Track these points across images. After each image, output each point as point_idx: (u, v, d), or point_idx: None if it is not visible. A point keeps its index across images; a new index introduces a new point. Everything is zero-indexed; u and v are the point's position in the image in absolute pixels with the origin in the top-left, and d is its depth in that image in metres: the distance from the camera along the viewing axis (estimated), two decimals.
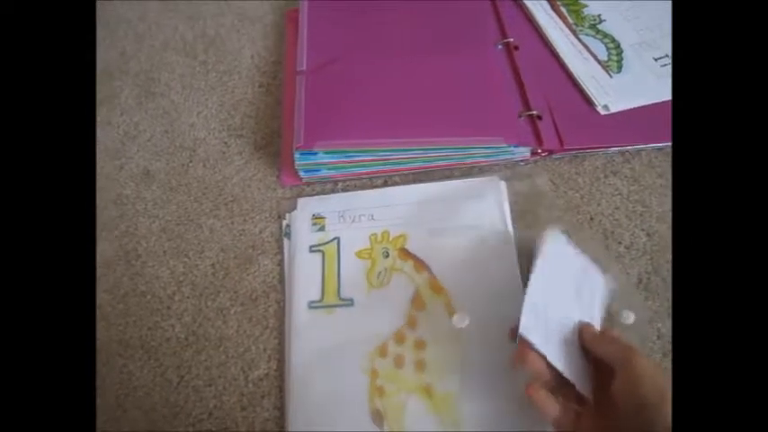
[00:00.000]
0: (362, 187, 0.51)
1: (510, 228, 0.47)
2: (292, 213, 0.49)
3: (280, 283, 0.47)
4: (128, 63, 0.64)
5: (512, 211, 0.48)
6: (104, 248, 0.50)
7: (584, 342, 0.37)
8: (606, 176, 0.50)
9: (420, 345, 0.42)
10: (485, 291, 0.43)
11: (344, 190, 0.51)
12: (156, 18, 0.68)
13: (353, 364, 0.42)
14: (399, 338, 0.42)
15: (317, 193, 0.51)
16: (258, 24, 0.65)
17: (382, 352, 0.42)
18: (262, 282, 0.47)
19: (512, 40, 0.56)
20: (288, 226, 0.48)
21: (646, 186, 0.50)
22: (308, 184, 0.51)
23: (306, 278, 0.46)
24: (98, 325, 0.47)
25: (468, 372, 0.41)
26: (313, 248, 0.47)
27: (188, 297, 0.47)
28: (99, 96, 0.61)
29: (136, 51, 0.65)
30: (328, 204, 0.49)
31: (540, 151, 0.50)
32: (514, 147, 0.49)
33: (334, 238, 0.47)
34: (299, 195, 0.51)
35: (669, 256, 0.45)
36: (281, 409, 0.42)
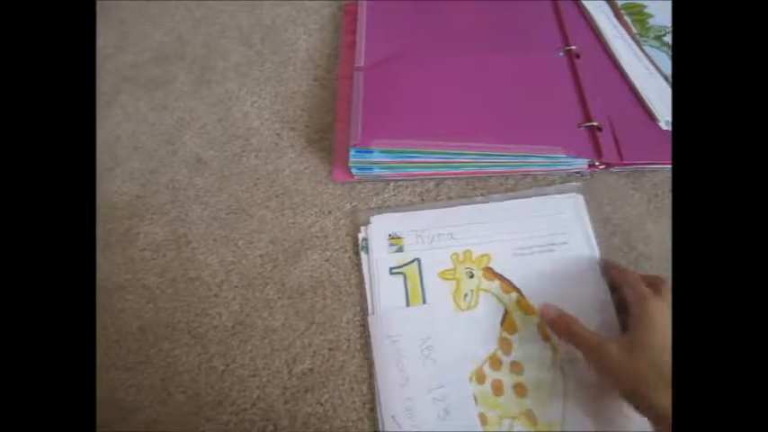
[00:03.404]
0: (413, 188, 0.51)
1: (594, 242, 0.46)
2: (368, 228, 0.48)
3: (327, 280, 0.47)
4: (184, 48, 0.65)
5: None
6: (156, 232, 0.51)
7: (611, 279, 0.43)
8: (665, 193, 0.49)
9: (517, 368, 0.41)
10: (576, 308, 0.42)
11: (396, 190, 0.51)
12: (212, 3, 0.69)
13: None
14: (495, 363, 0.42)
15: (369, 192, 0.51)
16: (315, 16, 0.65)
17: (479, 378, 0.41)
18: (309, 276, 0.47)
19: (574, 47, 0.55)
20: (364, 240, 0.47)
21: None
22: (360, 181, 0.51)
23: (389, 301, 0.44)
24: (146, 307, 0.48)
25: (570, 394, 0.40)
26: (393, 270, 0.46)
27: (236, 286, 0.47)
28: (156, 80, 0.62)
29: (192, 37, 0.66)
30: (404, 223, 0.48)
31: (597, 164, 0.49)
32: (572, 158, 0.48)
33: (415, 260, 0.46)
34: (351, 193, 0.51)
35: None
36: (323, 405, 0.42)
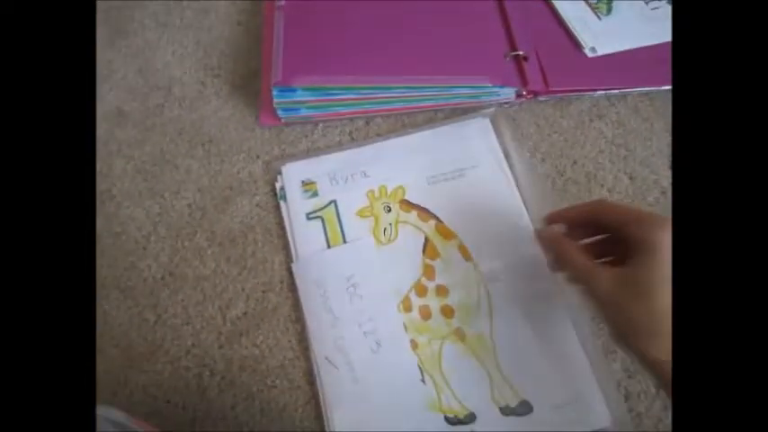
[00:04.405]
0: (342, 127, 0.50)
1: (504, 163, 0.46)
2: (284, 175, 0.47)
3: (258, 224, 0.46)
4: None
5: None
6: None
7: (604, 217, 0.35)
8: (591, 120, 0.50)
9: (442, 291, 0.42)
10: (494, 227, 0.43)
11: (325, 131, 0.50)
12: None
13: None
14: (420, 290, 0.42)
15: (298, 134, 0.50)
16: None
17: (407, 306, 0.42)
18: (239, 222, 0.46)
19: None
20: (282, 188, 0.46)
21: (630, 130, 0.49)
22: (288, 124, 0.50)
23: (310, 246, 0.44)
24: None
25: (496, 309, 0.41)
26: (310, 216, 0.45)
27: (164, 237, 0.46)
28: None
29: None
30: (315, 167, 0.47)
31: (525, 93, 0.49)
32: (499, 87, 0.48)
33: (331, 202, 0.45)
34: (279, 136, 0.50)
35: (650, 199, 0.45)
36: (259, 346, 0.42)
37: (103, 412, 0.33)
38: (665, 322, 0.29)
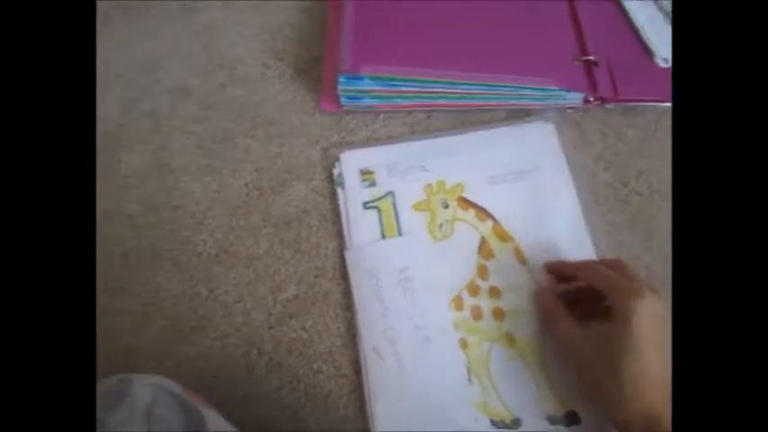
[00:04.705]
0: (404, 119, 0.49)
1: (565, 168, 0.46)
2: (342, 162, 0.47)
3: (313, 209, 0.46)
4: None
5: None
6: (138, 160, 0.50)
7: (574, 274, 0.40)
8: (656, 132, 0.49)
9: (495, 293, 0.42)
10: (551, 232, 0.43)
11: (386, 121, 0.49)
12: None
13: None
14: (473, 290, 0.42)
15: (358, 123, 0.49)
16: None
17: (458, 305, 0.41)
18: (295, 206, 0.46)
19: None
20: (340, 175, 0.46)
21: None
22: (348, 112, 0.50)
23: (365, 235, 0.44)
24: (128, 234, 0.47)
25: None
26: (367, 205, 0.45)
27: (220, 214, 0.47)
28: (139, 7, 0.59)
29: None
30: (374, 157, 0.47)
31: (592, 99, 0.48)
32: (566, 91, 0.47)
33: (388, 193, 0.45)
34: (339, 124, 0.50)
35: None
36: (308, 330, 0.42)
37: (160, 381, 0.33)
38: (630, 388, 0.32)
